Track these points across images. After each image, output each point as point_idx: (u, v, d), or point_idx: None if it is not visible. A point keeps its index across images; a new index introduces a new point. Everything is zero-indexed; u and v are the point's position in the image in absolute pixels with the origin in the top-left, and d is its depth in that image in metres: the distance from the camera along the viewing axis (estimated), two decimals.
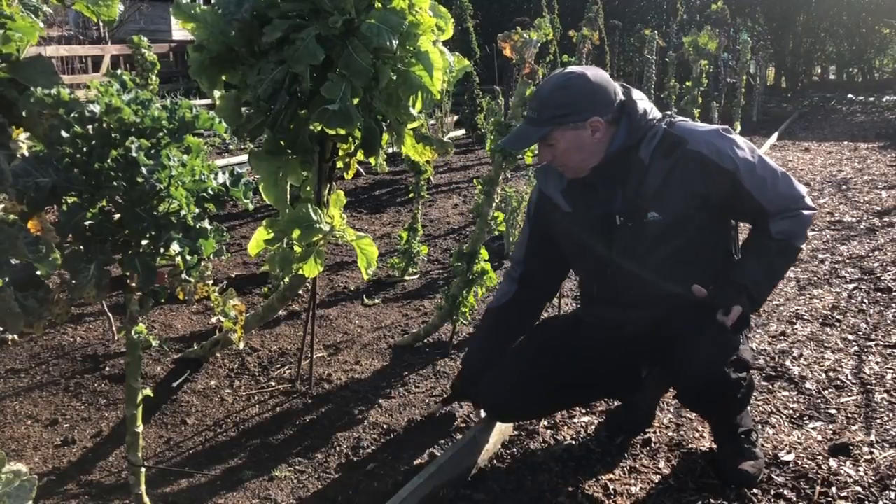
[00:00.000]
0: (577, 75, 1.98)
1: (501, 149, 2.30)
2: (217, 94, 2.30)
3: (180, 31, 13.66)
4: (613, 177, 2.02)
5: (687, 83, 7.14)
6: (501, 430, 2.35)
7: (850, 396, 2.59)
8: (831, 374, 2.77)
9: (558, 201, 2.11)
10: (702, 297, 1.97)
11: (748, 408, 2.15)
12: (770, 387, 2.68)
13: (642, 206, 1.99)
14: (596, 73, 2.00)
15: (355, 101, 2.13)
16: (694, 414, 2.36)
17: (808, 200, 2.02)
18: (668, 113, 2.08)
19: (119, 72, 1.55)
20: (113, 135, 1.39)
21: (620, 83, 2.08)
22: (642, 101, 2.03)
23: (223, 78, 2.28)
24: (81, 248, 1.44)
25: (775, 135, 9.72)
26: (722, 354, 1.93)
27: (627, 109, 2.01)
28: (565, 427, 2.44)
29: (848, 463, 2.17)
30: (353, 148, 2.40)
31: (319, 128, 2.16)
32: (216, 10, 2.17)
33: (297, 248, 2.39)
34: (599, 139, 1.98)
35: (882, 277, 3.87)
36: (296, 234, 2.29)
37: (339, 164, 2.50)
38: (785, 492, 2.05)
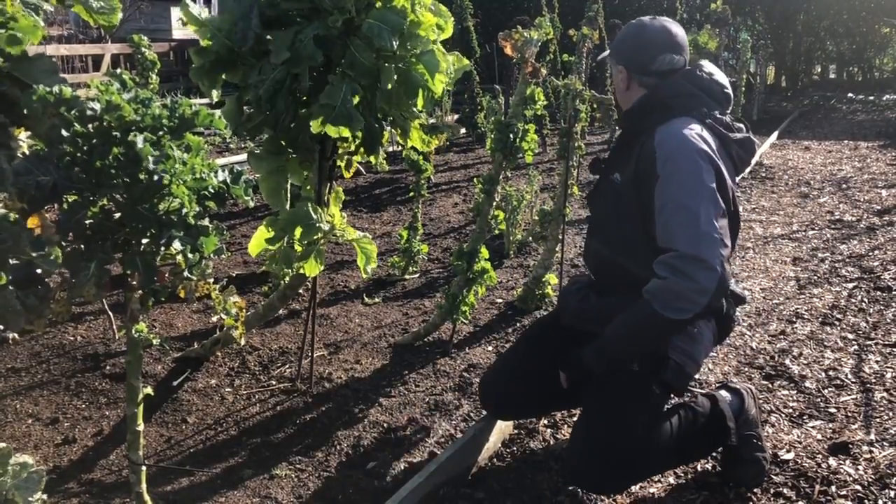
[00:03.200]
0: (637, 24, 2.06)
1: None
2: (215, 93, 2.30)
3: (180, 30, 13.65)
4: (625, 132, 2.09)
5: None
6: (502, 429, 2.35)
7: (849, 395, 2.60)
8: (831, 372, 2.77)
9: None
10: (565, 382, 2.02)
11: (752, 411, 2.13)
12: (770, 385, 2.68)
13: (610, 165, 2.06)
14: (654, 33, 2.01)
15: (355, 100, 2.13)
16: None
17: (696, 270, 1.71)
18: (706, 110, 1.96)
19: (119, 71, 1.56)
20: (114, 133, 1.40)
21: (699, 64, 2.03)
22: (686, 83, 1.97)
23: (223, 77, 2.28)
24: (82, 246, 1.44)
25: (775, 134, 9.72)
26: (584, 453, 1.86)
27: (665, 81, 1.99)
28: (565, 426, 2.44)
29: (847, 462, 2.17)
30: (353, 147, 2.40)
31: (321, 128, 2.17)
32: (225, 17, 2.18)
33: (297, 247, 2.40)
34: (625, 88, 2.05)
35: (882, 276, 3.87)
36: (296, 232, 2.30)
37: (340, 163, 2.50)
38: (785, 490, 2.05)
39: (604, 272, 2.10)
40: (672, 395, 2.00)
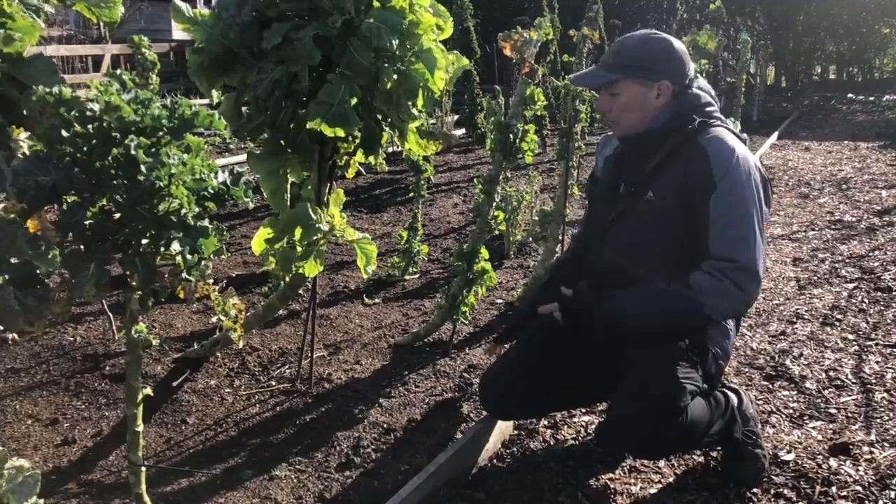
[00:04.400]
0: (662, 37, 2.01)
1: (571, 81, 2.17)
2: (214, 93, 2.30)
3: (181, 30, 13.64)
4: (640, 151, 2.04)
5: None
6: (501, 430, 2.35)
7: (850, 396, 2.59)
8: (831, 373, 2.77)
9: (598, 165, 2.22)
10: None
11: (750, 409, 2.13)
12: (770, 386, 2.68)
13: (644, 184, 2.00)
14: (680, 45, 2.02)
15: (353, 101, 2.13)
16: None
17: (750, 283, 1.82)
18: (722, 118, 2.01)
19: (119, 71, 1.55)
20: (113, 134, 1.39)
21: (697, 74, 2.07)
22: (702, 93, 2.01)
23: (222, 79, 2.28)
24: (81, 247, 1.44)
25: (775, 134, 9.72)
26: (638, 407, 1.85)
27: (684, 94, 2.00)
28: (565, 426, 2.43)
29: (848, 462, 2.17)
30: (352, 147, 2.40)
31: (318, 126, 2.16)
32: (218, 13, 2.18)
33: (297, 248, 2.39)
34: (660, 105, 1.99)
35: (882, 277, 3.87)
36: (296, 233, 2.29)
37: (340, 163, 2.50)
38: (785, 491, 2.05)
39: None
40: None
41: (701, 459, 2.20)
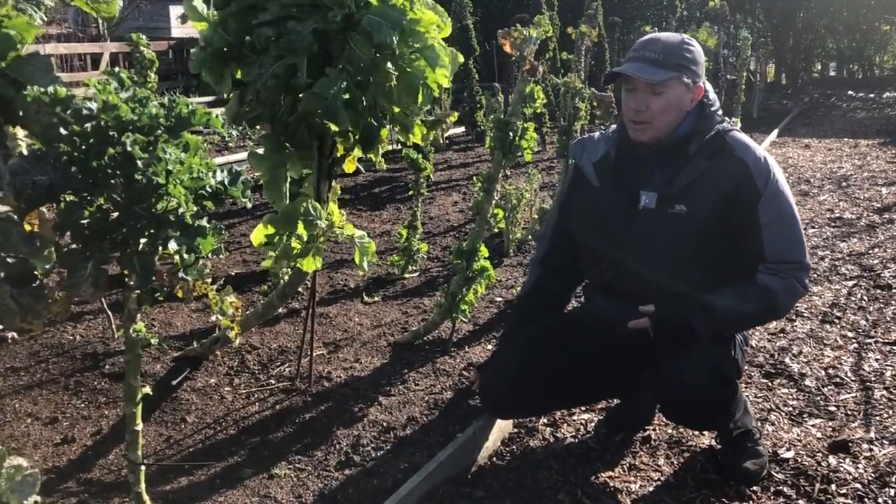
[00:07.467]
0: (692, 38, 1.99)
1: (618, 73, 1.95)
2: (227, 88, 2.30)
3: (179, 28, 13.65)
4: (661, 160, 1.99)
5: None
6: (501, 428, 2.35)
7: (849, 393, 2.59)
8: (831, 371, 2.77)
9: (588, 173, 2.10)
10: (646, 317, 1.97)
11: (748, 406, 2.15)
12: (769, 384, 2.68)
13: (672, 196, 1.96)
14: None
15: (346, 96, 2.12)
16: None
17: (807, 279, 1.94)
18: (726, 118, 2.04)
19: (117, 70, 1.55)
20: (110, 133, 1.39)
21: None
22: (713, 93, 2.02)
23: (230, 73, 2.28)
24: (79, 246, 1.44)
25: (775, 131, 9.72)
26: (699, 371, 1.89)
27: (705, 98, 2.00)
28: (565, 424, 2.43)
29: (847, 460, 2.17)
30: (351, 143, 2.39)
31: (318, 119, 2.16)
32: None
33: (295, 244, 2.39)
34: (691, 109, 1.97)
35: (882, 274, 3.87)
36: (295, 229, 2.29)
37: (339, 155, 2.49)
38: (784, 489, 2.05)
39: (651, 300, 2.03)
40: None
41: (700, 458, 2.20)
